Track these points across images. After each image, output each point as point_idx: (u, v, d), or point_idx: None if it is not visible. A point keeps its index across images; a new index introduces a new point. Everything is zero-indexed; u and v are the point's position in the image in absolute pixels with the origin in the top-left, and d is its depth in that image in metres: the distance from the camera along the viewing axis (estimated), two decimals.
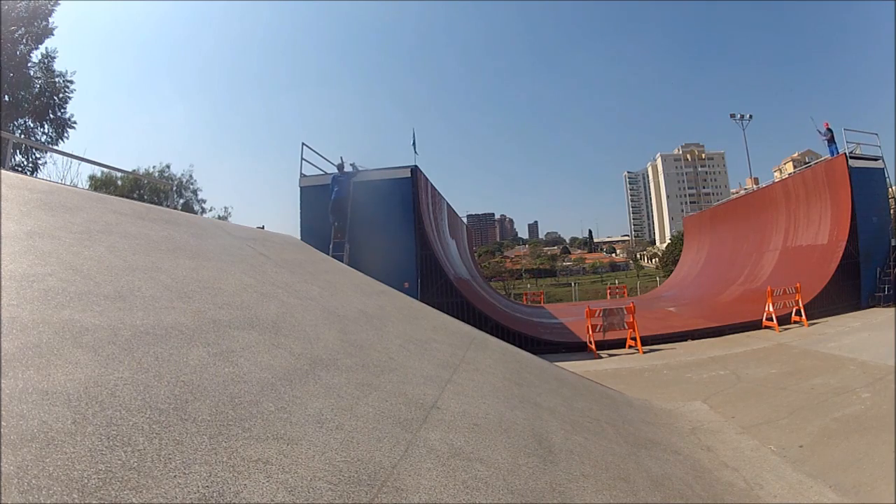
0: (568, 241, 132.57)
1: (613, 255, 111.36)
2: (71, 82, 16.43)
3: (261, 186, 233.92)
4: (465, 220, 26.85)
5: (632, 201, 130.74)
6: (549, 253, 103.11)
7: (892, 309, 10.63)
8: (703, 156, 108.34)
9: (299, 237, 9.46)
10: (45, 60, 15.95)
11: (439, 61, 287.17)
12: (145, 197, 19.63)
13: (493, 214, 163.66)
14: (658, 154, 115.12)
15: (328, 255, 8.29)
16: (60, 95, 16.15)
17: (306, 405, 1.95)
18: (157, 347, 1.89)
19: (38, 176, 13.60)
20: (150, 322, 2.08)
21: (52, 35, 15.85)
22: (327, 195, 11.10)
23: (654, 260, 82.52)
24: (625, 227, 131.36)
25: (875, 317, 10.08)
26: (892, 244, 12.16)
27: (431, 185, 13.32)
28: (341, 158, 11.58)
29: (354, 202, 11.11)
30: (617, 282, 41.97)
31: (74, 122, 16.53)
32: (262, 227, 8.04)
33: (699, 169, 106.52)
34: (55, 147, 15.74)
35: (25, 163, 15.30)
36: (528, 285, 58.53)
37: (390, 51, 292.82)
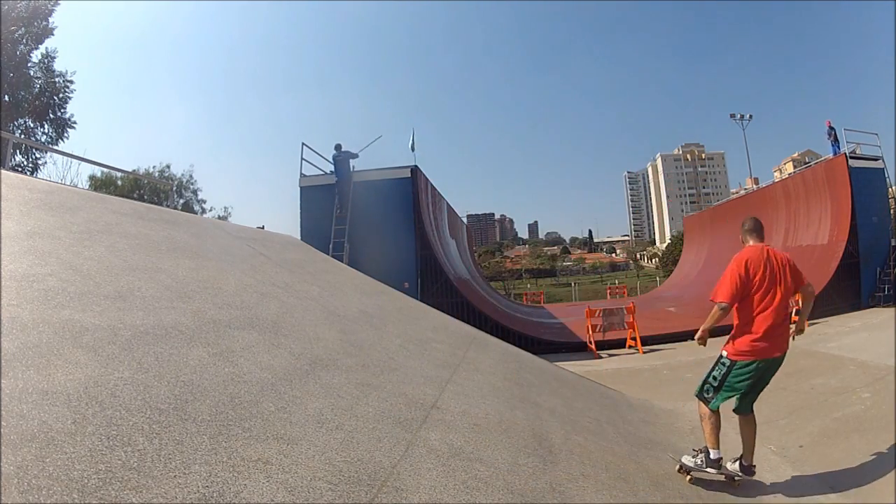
0: (568, 241, 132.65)
1: (613, 255, 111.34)
2: (71, 82, 16.44)
3: (261, 186, 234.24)
4: (465, 220, 26.86)
5: (632, 201, 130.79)
6: (549, 253, 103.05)
7: (892, 309, 10.62)
8: (703, 156, 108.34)
9: (299, 237, 9.46)
10: (45, 60, 15.96)
11: (439, 62, 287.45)
12: (145, 197, 19.62)
13: (493, 214, 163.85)
14: (658, 154, 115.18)
15: (328, 255, 8.29)
16: (60, 95, 16.15)
17: (306, 405, 1.95)
18: (157, 347, 1.89)
19: (38, 176, 13.60)
20: (150, 322, 2.08)
21: (52, 35, 15.86)
22: (327, 195, 11.10)
23: (654, 260, 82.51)
24: (625, 227, 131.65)
25: (875, 317, 10.07)
26: (892, 244, 12.15)
27: (431, 184, 13.32)
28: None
29: (354, 203, 11.11)
30: (617, 282, 41.99)
31: (74, 122, 16.55)
32: (262, 227, 8.05)
33: (699, 169, 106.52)
34: (55, 147, 15.76)
35: (25, 163, 15.31)
36: (528, 285, 58.52)
37: (390, 51, 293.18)
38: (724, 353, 2.91)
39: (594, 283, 59.49)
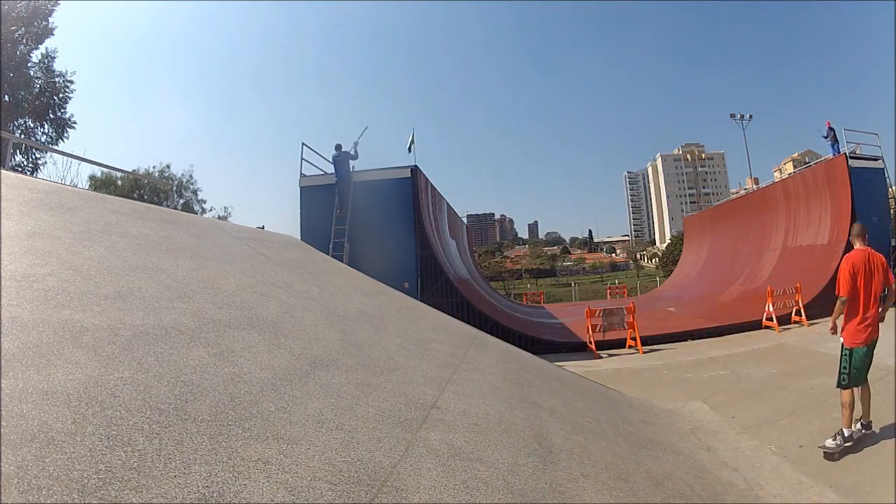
0: (568, 241, 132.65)
1: (613, 255, 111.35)
2: (71, 82, 16.42)
3: (261, 186, 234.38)
4: (465, 220, 26.85)
5: (632, 201, 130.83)
6: (549, 253, 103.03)
7: (893, 309, 10.62)
8: (703, 156, 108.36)
9: (299, 237, 9.45)
10: (45, 60, 15.94)
11: (438, 62, 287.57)
12: (145, 197, 19.62)
13: (493, 214, 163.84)
14: (658, 154, 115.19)
15: (328, 255, 8.29)
16: (60, 95, 16.13)
17: (306, 405, 1.95)
18: (157, 347, 1.89)
19: (38, 176, 13.60)
20: (150, 322, 2.08)
21: (52, 35, 15.85)
22: (327, 195, 11.11)
23: (654, 260, 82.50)
24: (625, 227, 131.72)
25: None
26: (892, 244, 12.15)
27: (431, 184, 13.31)
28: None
29: (354, 203, 11.11)
30: (617, 282, 41.99)
31: (74, 122, 16.53)
32: (262, 227, 8.04)
33: (699, 169, 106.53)
34: (55, 147, 15.75)
35: (25, 163, 15.30)
36: (528, 285, 58.51)
37: (390, 51, 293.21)
38: (844, 343, 3.66)
39: (594, 283, 59.48)
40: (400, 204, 11.10)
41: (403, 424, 2.12)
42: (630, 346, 9.33)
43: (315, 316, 3.37)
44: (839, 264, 3.68)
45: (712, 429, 4.24)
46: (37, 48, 15.69)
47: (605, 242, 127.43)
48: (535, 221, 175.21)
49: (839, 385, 3.67)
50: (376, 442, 1.88)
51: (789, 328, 9.78)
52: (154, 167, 24.41)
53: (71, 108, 16.54)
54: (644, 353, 8.86)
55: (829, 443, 3.50)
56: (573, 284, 39.80)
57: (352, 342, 3.07)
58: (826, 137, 13.57)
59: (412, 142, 12.41)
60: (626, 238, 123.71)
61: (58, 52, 16.13)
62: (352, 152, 11.34)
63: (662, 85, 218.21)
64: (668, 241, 73.64)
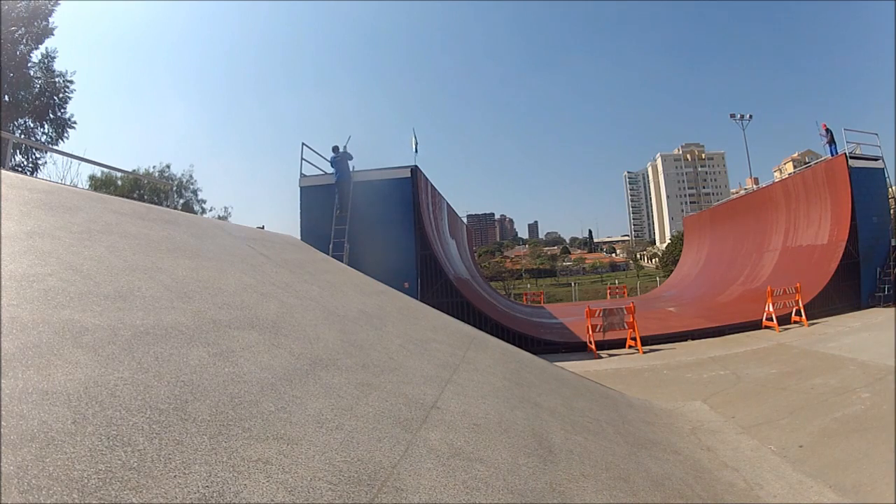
0: (568, 241, 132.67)
1: (613, 255, 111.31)
2: (71, 82, 16.43)
3: (261, 186, 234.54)
4: (465, 220, 26.85)
5: (632, 201, 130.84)
6: (549, 253, 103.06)
7: (892, 309, 10.62)
8: (703, 156, 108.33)
9: (299, 237, 9.45)
10: (45, 60, 15.95)
11: (438, 63, 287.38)
12: (145, 197, 19.63)
13: (493, 214, 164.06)
14: (658, 154, 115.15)
15: (328, 255, 8.28)
16: (60, 95, 16.14)
17: (306, 405, 1.95)
18: (157, 347, 1.89)
19: (38, 176, 13.60)
20: (150, 322, 2.08)
21: (52, 35, 15.85)
22: (327, 195, 11.13)
23: (654, 260, 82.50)
24: (625, 227, 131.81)
25: (875, 317, 10.08)
26: (892, 244, 12.15)
27: (431, 184, 13.32)
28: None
29: (354, 203, 11.12)
30: (617, 282, 41.97)
31: (74, 122, 16.54)
32: (262, 227, 8.04)
33: (699, 169, 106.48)
34: (55, 147, 15.76)
35: (25, 163, 15.30)
36: (528, 285, 58.45)
37: (389, 52, 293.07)
38: None
39: (594, 283, 59.50)
40: (400, 204, 11.12)
41: (403, 424, 2.12)
42: (630, 346, 9.33)
43: (315, 316, 3.36)
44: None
45: (712, 429, 4.24)
46: (37, 48, 15.71)
47: (605, 242, 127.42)
48: (535, 221, 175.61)
49: None
50: (376, 442, 1.88)
51: (789, 328, 9.78)
52: (154, 167, 24.43)
53: (71, 108, 16.58)
54: (644, 353, 8.86)
55: None
56: (573, 284, 39.77)
57: (352, 342, 3.07)
58: (824, 139, 13.61)
59: (416, 143, 12.44)
60: (626, 238, 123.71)
61: (58, 52, 16.16)
62: (350, 153, 11.40)
63: (662, 85, 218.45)
64: (668, 241, 73.60)
